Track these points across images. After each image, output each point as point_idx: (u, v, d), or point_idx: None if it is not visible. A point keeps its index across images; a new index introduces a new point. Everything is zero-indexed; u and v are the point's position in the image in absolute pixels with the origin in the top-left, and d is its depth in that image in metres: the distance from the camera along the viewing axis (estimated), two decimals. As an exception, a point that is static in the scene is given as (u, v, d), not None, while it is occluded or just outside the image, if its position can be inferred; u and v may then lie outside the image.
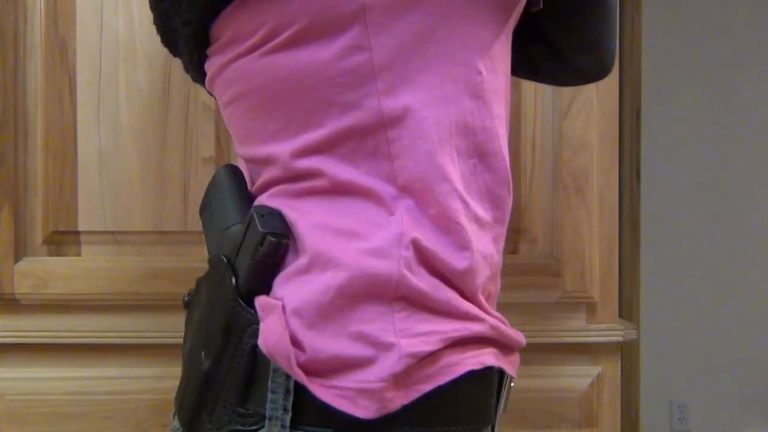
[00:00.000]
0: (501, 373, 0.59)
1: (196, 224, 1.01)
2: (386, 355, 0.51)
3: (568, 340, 1.04)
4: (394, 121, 0.54)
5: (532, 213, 1.04)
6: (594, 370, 1.06)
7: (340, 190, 0.54)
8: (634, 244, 2.39)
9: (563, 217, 1.04)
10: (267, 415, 0.52)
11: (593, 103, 1.04)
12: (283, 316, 0.52)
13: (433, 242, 0.53)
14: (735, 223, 2.70)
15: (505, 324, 0.59)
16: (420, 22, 0.53)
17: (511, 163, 1.05)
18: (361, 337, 0.51)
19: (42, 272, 1.01)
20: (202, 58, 0.62)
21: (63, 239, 1.02)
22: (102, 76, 1.01)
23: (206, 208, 0.63)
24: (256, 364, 0.53)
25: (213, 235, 0.61)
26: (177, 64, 1.01)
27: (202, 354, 0.56)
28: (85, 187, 1.01)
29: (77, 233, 1.02)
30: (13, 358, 1.02)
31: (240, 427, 0.54)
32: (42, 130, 1.01)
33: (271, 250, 0.54)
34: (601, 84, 1.04)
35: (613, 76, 1.04)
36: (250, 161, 0.61)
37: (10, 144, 1.01)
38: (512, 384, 0.63)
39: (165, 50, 1.01)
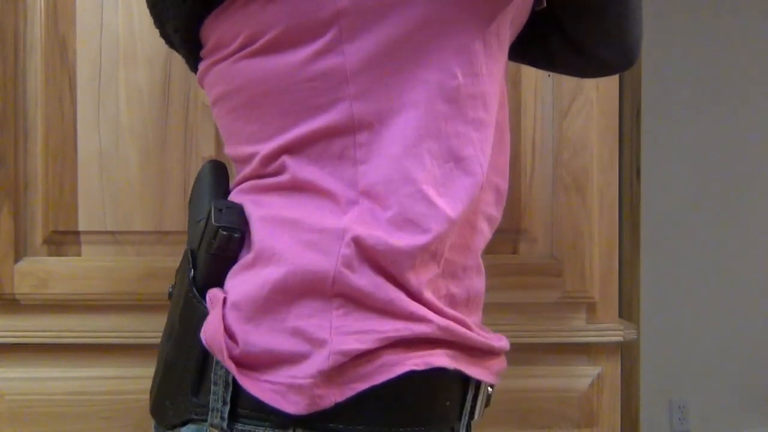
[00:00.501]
0: (464, 379, 0.58)
1: (196, 224, 1.01)
2: (318, 351, 0.51)
3: (568, 340, 1.04)
4: (365, 125, 0.54)
5: (532, 213, 1.04)
6: (594, 370, 1.06)
7: (300, 187, 0.55)
8: (634, 244, 2.39)
9: (563, 217, 1.04)
10: (210, 407, 0.53)
11: (593, 102, 1.04)
12: (221, 309, 0.53)
13: (381, 240, 0.53)
14: (735, 223, 2.70)
15: (466, 326, 0.58)
16: (395, 28, 0.53)
17: (511, 163, 1.05)
18: (297, 333, 0.52)
19: (42, 272, 1.01)
20: (197, 61, 0.64)
21: (63, 239, 1.02)
22: (102, 76, 1.01)
23: (191, 203, 0.65)
24: (207, 355, 0.54)
25: (189, 228, 0.62)
26: (177, 64, 1.02)
27: (167, 343, 0.59)
28: (85, 187, 1.01)
29: (77, 233, 1.02)
30: (13, 358, 1.02)
31: (195, 416, 0.55)
32: (42, 130, 1.01)
33: (223, 243, 0.56)
34: (601, 84, 1.04)
35: (613, 77, 1.04)
36: (234, 159, 0.63)
37: (10, 144, 1.01)
38: (489, 389, 0.62)
39: (165, 50, 1.01)
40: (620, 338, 1.05)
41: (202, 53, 0.62)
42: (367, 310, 0.53)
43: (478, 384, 0.60)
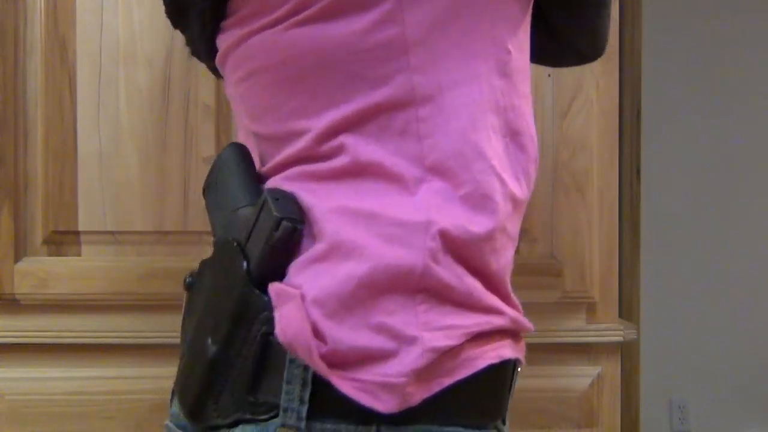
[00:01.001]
0: (514, 364, 0.59)
1: (196, 224, 1.01)
2: (408, 348, 0.50)
3: (568, 340, 1.04)
4: (426, 98, 0.52)
5: (532, 213, 1.04)
6: (594, 370, 1.06)
7: (364, 171, 0.53)
8: (634, 244, 2.39)
9: (563, 217, 1.04)
10: (282, 407, 0.51)
11: (593, 102, 1.04)
12: (303, 306, 0.50)
13: (461, 225, 0.51)
14: (735, 223, 2.70)
15: (520, 312, 0.59)
16: None
17: (511, 163, 1.05)
18: (383, 330, 0.50)
19: (42, 272, 1.01)
20: (215, 32, 0.59)
21: (63, 239, 1.02)
22: (102, 76, 1.01)
23: (211, 188, 0.61)
24: (269, 352, 0.52)
25: (219, 217, 0.59)
26: (177, 64, 1.02)
27: (208, 340, 0.54)
28: (85, 187, 1.01)
29: (77, 233, 1.02)
30: (13, 358, 1.02)
31: (249, 416, 0.52)
32: (42, 130, 1.01)
33: (286, 235, 0.52)
34: (601, 84, 1.04)
35: (613, 76, 1.04)
36: (266, 138, 0.58)
37: (10, 144, 1.01)
38: (519, 369, 0.62)
39: (165, 50, 1.01)
40: (620, 338, 1.04)
41: (227, 23, 0.57)
42: (450, 304, 0.52)
43: (517, 367, 0.61)
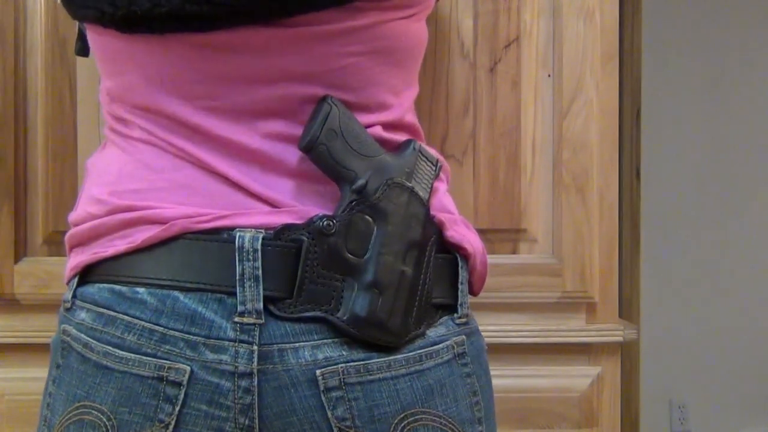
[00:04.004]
0: None
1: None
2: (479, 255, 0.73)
3: (568, 340, 1.04)
4: None
5: (532, 213, 1.04)
6: (594, 370, 1.06)
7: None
8: (634, 244, 2.39)
9: (563, 217, 1.04)
10: (459, 302, 0.68)
11: (593, 103, 1.04)
12: (465, 224, 0.72)
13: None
14: (735, 222, 2.70)
15: None
16: None
17: (511, 162, 1.05)
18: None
19: (42, 272, 1.01)
20: (327, 5, 0.63)
21: (63, 239, 1.02)
22: (102, 76, 1.01)
23: (331, 137, 0.63)
24: (440, 265, 0.68)
25: (359, 161, 0.64)
26: (177, 64, 1.01)
27: (402, 266, 0.64)
28: (85, 187, 1.01)
29: (77, 233, 1.02)
30: (13, 358, 1.02)
31: (430, 320, 0.67)
32: (42, 130, 1.01)
33: (439, 174, 0.70)
34: (601, 84, 1.04)
35: (613, 76, 1.05)
36: (363, 107, 0.67)
37: (10, 144, 1.01)
38: None
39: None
40: (620, 338, 1.05)
41: (370, 5, 0.64)
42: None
43: None
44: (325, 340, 0.62)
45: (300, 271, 0.62)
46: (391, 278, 0.64)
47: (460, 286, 0.69)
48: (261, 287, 0.61)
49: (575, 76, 1.03)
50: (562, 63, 1.03)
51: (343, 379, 0.62)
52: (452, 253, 0.69)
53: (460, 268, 0.69)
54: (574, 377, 1.05)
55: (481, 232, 1.03)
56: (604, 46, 1.04)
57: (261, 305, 0.61)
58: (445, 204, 0.71)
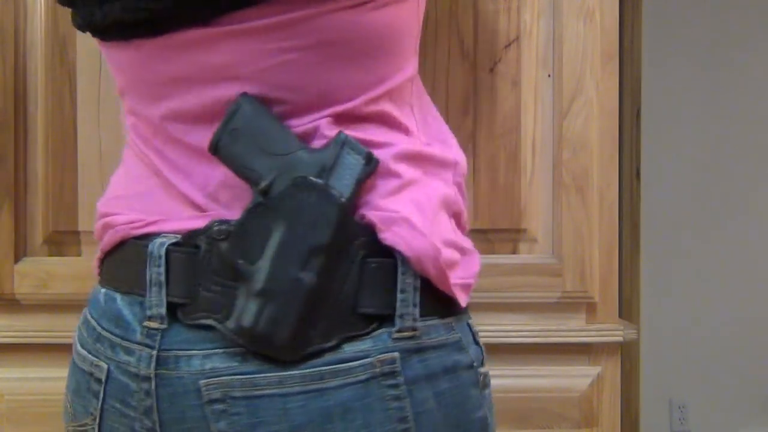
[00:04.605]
0: None
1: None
2: (470, 257, 0.65)
3: (568, 340, 1.04)
4: (415, 80, 0.68)
5: (532, 213, 1.04)
6: (594, 370, 1.06)
7: (400, 120, 0.64)
8: (634, 244, 2.39)
9: (563, 217, 1.04)
10: (397, 314, 0.59)
11: (593, 102, 1.04)
12: (414, 225, 0.60)
13: (463, 163, 0.69)
14: (735, 222, 2.70)
15: None
16: None
17: (511, 162, 1.05)
18: (451, 243, 0.63)
19: (42, 272, 1.01)
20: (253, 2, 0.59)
21: (63, 239, 1.02)
22: (102, 75, 1.02)
23: (233, 138, 0.61)
24: (372, 271, 0.60)
25: (264, 161, 0.60)
26: (177, 64, 1.01)
27: (299, 272, 0.58)
28: (85, 187, 1.01)
29: (77, 233, 1.02)
30: (13, 358, 1.02)
31: (353, 333, 0.59)
32: (42, 130, 1.01)
33: (374, 168, 0.61)
34: (601, 84, 1.04)
35: (613, 76, 1.05)
36: (283, 102, 0.62)
37: (10, 144, 1.01)
38: None
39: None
40: (620, 338, 1.05)
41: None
42: (460, 228, 0.67)
43: None
44: (217, 350, 0.60)
45: (193, 277, 0.60)
46: (283, 286, 0.58)
47: (399, 295, 0.59)
48: (164, 292, 0.61)
49: (575, 76, 1.03)
50: (562, 63, 1.03)
51: (227, 392, 0.58)
52: (393, 257, 0.60)
53: (400, 273, 0.59)
54: (574, 377, 1.05)
55: (481, 232, 1.04)
56: (604, 46, 1.04)
57: (164, 310, 0.61)
58: (390, 202, 0.61)
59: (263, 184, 0.60)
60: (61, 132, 1.01)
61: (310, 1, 0.58)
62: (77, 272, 1.01)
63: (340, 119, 0.61)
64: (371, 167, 0.60)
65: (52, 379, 1.02)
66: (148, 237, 0.63)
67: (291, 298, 0.58)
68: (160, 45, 0.62)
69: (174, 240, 0.62)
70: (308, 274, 0.58)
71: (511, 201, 1.04)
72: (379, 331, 0.59)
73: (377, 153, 0.61)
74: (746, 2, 2.67)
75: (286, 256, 0.58)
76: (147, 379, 0.61)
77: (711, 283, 2.69)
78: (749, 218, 2.71)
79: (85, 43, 1.01)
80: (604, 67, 1.04)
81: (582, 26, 1.03)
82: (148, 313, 0.62)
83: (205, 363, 0.60)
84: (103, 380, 0.63)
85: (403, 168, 0.62)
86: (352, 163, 0.60)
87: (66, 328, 1.01)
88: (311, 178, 0.59)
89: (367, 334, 0.59)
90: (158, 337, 0.61)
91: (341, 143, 0.60)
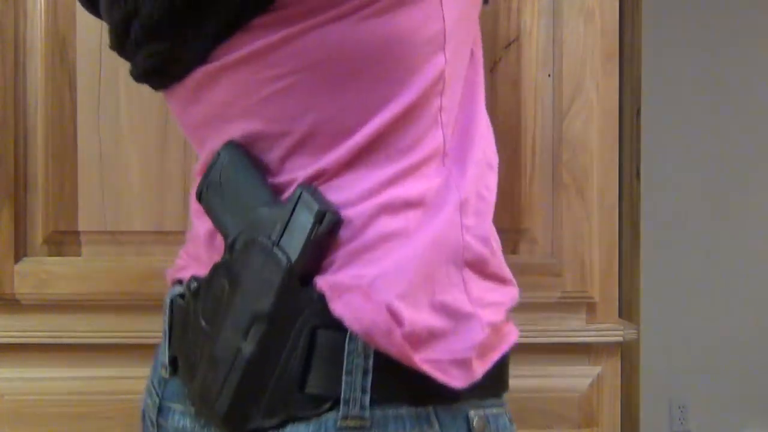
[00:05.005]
0: None
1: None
2: (468, 325, 0.52)
3: (568, 340, 1.04)
4: (447, 90, 0.56)
5: (532, 213, 1.04)
6: (594, 370, 1.06)
7: (392, 156, 0.54)
8: (634, 244, 2.39)
9: (563, 217, 1.04)
10: (342, 398, 0.51)
11: (593, 103, 1.04)
12: (371, 293, 0.51)
13: (478, 192, 0.56)
14: (735, 222, 2.70)
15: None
16: None
17: (511, 163, 1.05)
18: (445, 307, 0.52)
19: (42, 272, 1.01)
20: (229, 34, 0.55)
21: (63, 239, 1.02)
22: (102, 76, 1.01)
23: (213, 189, 0.59)
24: (320, 346, 0.52)
25: (232, 217, 0.57)
26: (177, 64, 1.01)
27: (242, 341, 0.53)
28: (85, 187, 1.01)
29: (77, 233, 1.02)
30: (13, 358, 1.02)
31: (299, 414, 0.52)
32: (42, 130, 1.01)
33: (330, 228, 0.52)
34: (601, 84, 1.04)
35: (613, 76, 1.05)
36: (287, 137, 0.57)
37: (10, 144, 1.01)
38: None
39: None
40: (620, 338, 1.05)
41: (270, 19, 0.53)
42: (489, 278, 0.55)
43: None
44: (191, 408, 0.58)
45: (185, 330, 0.59)
46: (225, 355, 0.54)
47: (345, 377, 0.51)
48: (167, 342, 0.62)
49: (575, 76, 1.03)
50: (562, 63, 1.03)
51: None
52: (345, 331, 0.52)
53: (346, 352, 0.51)
54: (574, 377, 1.05)
55: (481, 232, 1.04)
56: (604, 46, 1.04)
57: (166, 360, 0.62)
58: (357, 265, 0.53)
59: (229, 240, 0.56)
60: (61, 132, 1.01)
61: (278, 24, 0.53)
62: (77, 272, 1.01)
63: (328, 162, 0.55)
64: (323, 227, 0.52)
65: (52, 379, 1.02)
66: (180, 282, 0.63)
67: (231, 368, 0.53)
68: (187, 88, 0.59)
69: (180, 290, 0.61)
70: (249, 344, 0.52)
71: (511, 201, 1.04)
72: (328, 414, 0.51)
73: (353, 207, 0.53)
74: (746, 2, 2.67)
75: (233, 323, 0.54)
76: (155, 425, 0.63)
77: (711, 283, 2.68)
78: (750, 218, 2.71)
79: (85, 43, 1.01)
80: (604, 67, 1.04)
81: (582, 26, 1.03)
82: (162, 360, 0.63)
83: (179, 421, 0.59)
84: (140, 418, 0.67)
85: (383, 221, 0.53)
86: (303, 222, 0.52)
87: (66, 328, 1.01)
88: (260, 238, 0.54)
89: (316, 415, 0.51)
90: (163, 387, 0.62)
91: (296, 199, 0.53)
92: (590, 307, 1.06)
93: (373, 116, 0.54)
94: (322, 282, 0.53)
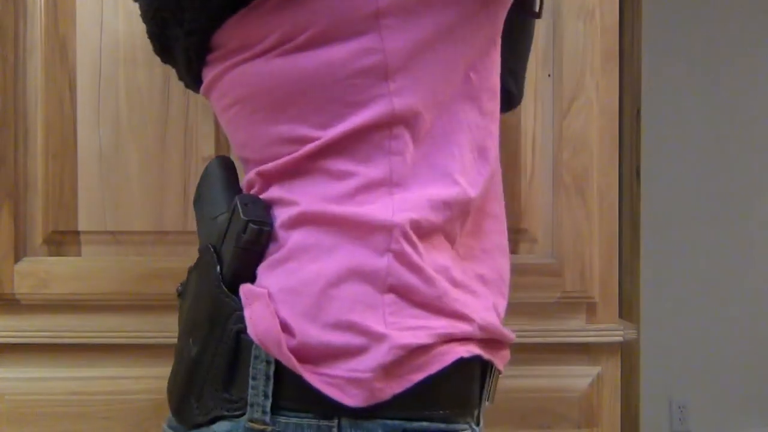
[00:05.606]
0: (484, 364, 0.60)
1: (195, 224, 1.01)
2: (377, 345, 0.52)
3: (568, 340, 1.04)
4: (400, 119, 0.56)
5: (532, 213, 1.04)
6: (594, 370, 1.06)
7: (333, 178, 0.56)
8: (634, 244, 2.39)
9: (563, 217, 1.04)
10: (249, 402, 0.54)
11: (593, 102, 1.04)
12: (271, 303, 0.53)
13: (424, 217, 0.55)
14: (735, 222, 2.70)
15: (499, 321, 0.61)
16: (432, 27, 0.55)
17: (511, 162, 1.05)
18: (352, 327, 0.53)
19: (42, 272, 1.01)
20: (201, 66, 0.63)
21: (63, 239, 1.02)
22: (102, 76, 1.01)
23: (198, 200, 0.64)
24: (239, 350, 0.55)
25: (203, 226, 0.63)
26: (177, 64, 1.02)
27: (190, 341, 0.58)
28: (85, 187, 1.01)
29: (77, 233, 1.02)
30: (13, 358, 1.02)
31: (225, 413, 0.55)
32: (42, 130, 1.01)
33: (254, 237, 0.56)
34: (601, 84, 1.04)
35: (613, 76, 1.05)
36: (249, 161, 0.63)
37: (10, 144, 1.01)
38: (496, 374, 0.64)
39: (165, 50, 1.00)
40: (620, 338, 1.05)
41: (211, 57, 0.61)
42: (417, 306, 0.54)
43: (493, 371, 0.62)
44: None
45: None
46: (179, 353, 0.61)
47: (251, 381, 0.54)
48: None
49: (575, 76, 1.03)
50: (562, 63, 1.03)
51: None
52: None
53: (252, 356, 0.54)
54: (574, 377, 1.05)
55: (481, 232, 1.04)
56: (604, 46, 1.04)
57: None
58: (266, 275, 0.56)
59: (199, 247, 0.62)
60: (61, 132, 1.01)
61: (219, 61, 0.59)
62: (77, 272, 1.01)
63: (268, 176, 0.59)
64: (248, 236, 0.55)
65: (51, 379, 1.02)
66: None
67: (181, 365, 0.59)
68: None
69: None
70: (194, 346, 0.57)
71: (511, 201, 1.04)
72: (243, 416, 0.54)
73: (281, 220, 0.57)
74: (746, 2, 2.67)
75: (186, 325, 0.60)
76: None
77: (711, 282, 2.68)
78: (749, 218, 2.71)
79: (85, 43, 1.01)
80: (604, 67, 1.04)
81: (582, 26, 1.03)
82: None
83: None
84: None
85: (295, 236, 0.56)
86: (235, 231, 0.56)
87: (66, 328, 1.01)
88: (207, 245, 0.59)
89: (236, 416, 0.55)
90: None
91: (232, 209, 0.57)
92: (590, 307, 1.06)
93: (307, 144, 0.56)
94: (242, 289, 0.56)
